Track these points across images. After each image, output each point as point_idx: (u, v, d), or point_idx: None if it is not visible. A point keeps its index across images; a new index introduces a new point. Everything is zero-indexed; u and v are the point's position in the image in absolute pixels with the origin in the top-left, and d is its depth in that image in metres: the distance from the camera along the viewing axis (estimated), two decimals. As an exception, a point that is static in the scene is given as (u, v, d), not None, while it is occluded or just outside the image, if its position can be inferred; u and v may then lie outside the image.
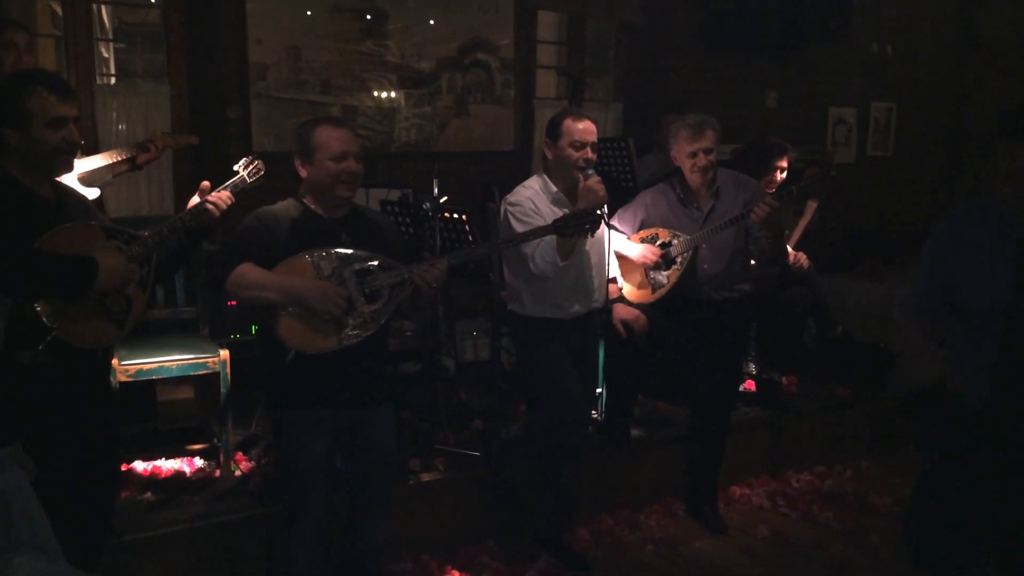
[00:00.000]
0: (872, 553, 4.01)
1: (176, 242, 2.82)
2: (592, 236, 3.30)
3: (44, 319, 2.46)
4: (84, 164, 3.73)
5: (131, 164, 3.95)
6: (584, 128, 3.50)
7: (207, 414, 4.19)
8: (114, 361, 3.41)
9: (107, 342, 2.69)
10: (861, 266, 6.35)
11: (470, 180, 5.65)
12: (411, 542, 3.75)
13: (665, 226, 3.98)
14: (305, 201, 3.04)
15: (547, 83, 6.47)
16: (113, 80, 5.09)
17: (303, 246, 2.90)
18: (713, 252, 3.95)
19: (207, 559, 3.41)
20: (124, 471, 3.70)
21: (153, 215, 4.78)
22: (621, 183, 4.95)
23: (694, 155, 3.85)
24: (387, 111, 5.66)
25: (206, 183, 2.85)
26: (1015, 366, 2.33)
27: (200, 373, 3.75)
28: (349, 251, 2.92)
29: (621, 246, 4.00)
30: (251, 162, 2.95)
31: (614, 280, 3.99)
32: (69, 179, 3.28)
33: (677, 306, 4.00)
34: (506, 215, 3.54)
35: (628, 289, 4.06)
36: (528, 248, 3.41)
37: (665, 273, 3.96)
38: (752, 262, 4.09)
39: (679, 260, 3.93)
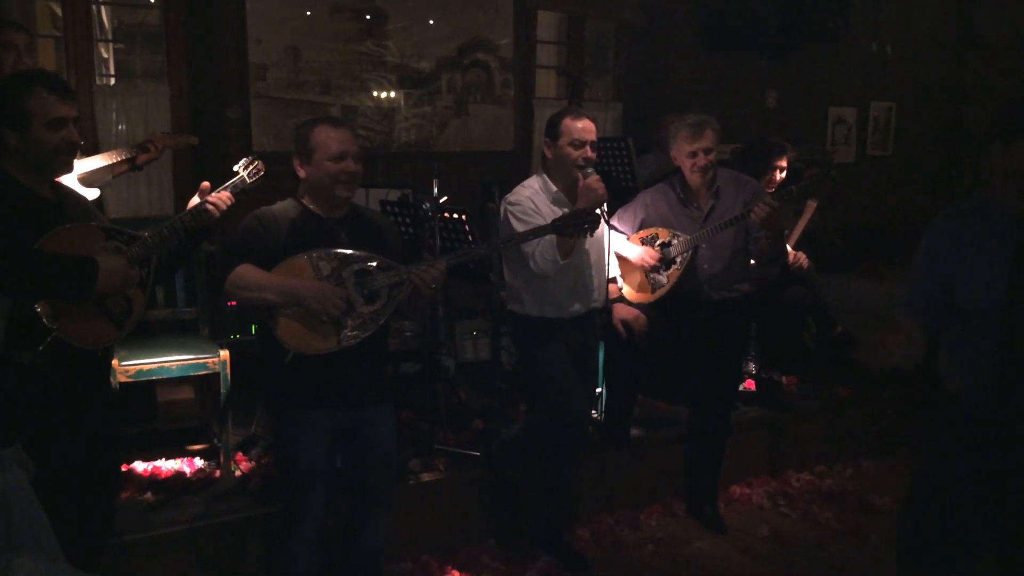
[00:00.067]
0: (872, 553, 4.01)
1: (176, 243, 2.82)
2: (591, 236, 3.30)
3: (44, 320, 2.46)
4: (84, 165, 3.72)
5: (131, 165, 3.95)
6: (583, 127, 3.50)
7: (207, 414, 4.19)
8: (114, 362, 3.41)
9: (107, 343, 2.69)
10: (861, 266, 6.36)
11: (470, 180, 5.66)
12: (411, 542, 3.75)
13: (665, 226, 3.98)
14: (304, 201, 3.04)
15: (547, 83, 6.47)
16: (113, 80, 5.10)
17: (302, 246, 2.90)
18: (713, 252, 3.95)
19: (207, 559, 3.41)
20: (124, 471, 3.70)
21: (153, 215, 4.78)
22: (621, 183, 4.95)
23: (694, 155, 3.85)
24: (387, 111, 5.66)
25: (206, 183, 2.85)
26: (1012, 367, 2.33)
27: (200, 373, 3.74)
28: (348, 252, 2.92)
29: (620, 247, 4.00)
30: (251, 162, 2.95)
31: (614, 280, 3.99)
32: (69, 180, 3.28)
33: (677, 306, 4.01)
34: (506, 215, 3.54)
35: (628, 289, 4.06)
36: (528, 247, 3.41)
37: (665, 273, 3.97)
38: (752, 262, 4.09)
39: (679, 260, 3.94)
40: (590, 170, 3.46)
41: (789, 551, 4.05)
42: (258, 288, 2.86)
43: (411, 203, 4.24)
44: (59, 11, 4.94)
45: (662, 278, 3.97)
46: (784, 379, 5.10)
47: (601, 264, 3.74)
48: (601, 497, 4.25)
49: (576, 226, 3.11)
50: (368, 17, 5.51)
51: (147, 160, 3.99)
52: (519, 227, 3.42)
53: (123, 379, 3.52)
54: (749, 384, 5.08)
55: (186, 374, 3.74)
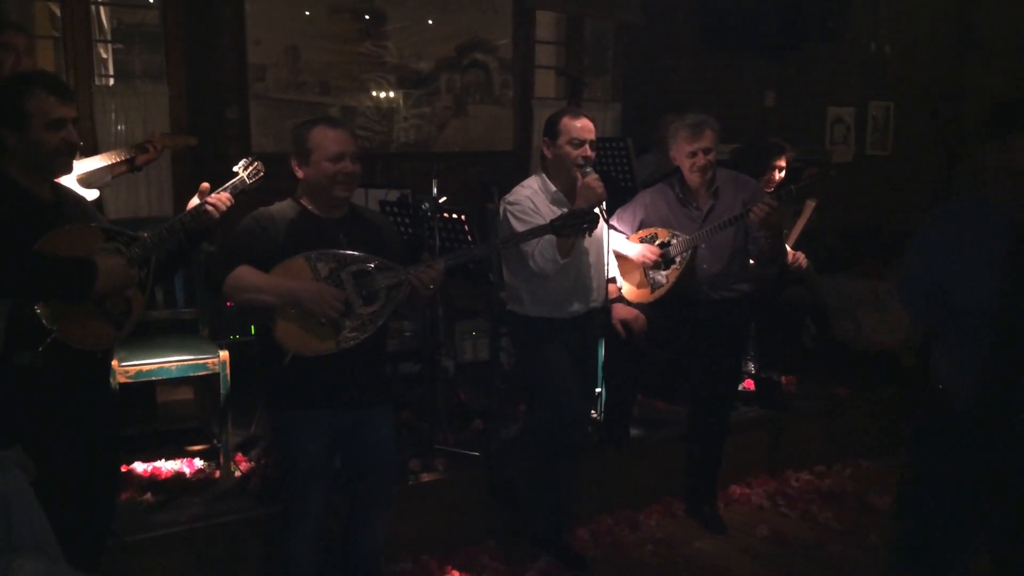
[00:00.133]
0: (871, 552, 4.01)
1: (175, 243, 2.82)
2: (590, 235, 3.30)
3: (44, 321, 2.46)
4: (83, 165, 3.73)
5: (130, 165, 3.95)
6: (582, 126, 3.51)
7: (207, 415, 4.19)
8: (114, 362, 3.41)
9: (107, 344, 2.69)
10: (860, 265, 6.36)
11: (469, 180, 5.67)
12: (411, 542, 3.75)
13: (664, 226, 3.99)
14: (302, 202, 3.03)
15: (546, 83, 6.47)
16: (112, 81, 5.09)
17: (301, 247, 2.90)
18: (712, 252, 3.95)
19: (207, 560, 3.40)
20: (124, 472, 3.69)
21: (152, 216, 4.78)
22: (620, 183, 4.95)
23: (693, 155, 3.85)
24: (386, 111, 5.67)
25: (205, 184, 2.85)
26: (1004, 366, 2.33)
27: (200, 374, 3.75)
28: (346, 252, 2.92)
29: (620, 245, 4.00)
30: (250, 163, 2.95)
31: (613, 280, 3.99)
32: (68, 180, 3.28)
33: (676, 306, 4.01)
34: (505, 215, 3.55)
35: (627, 289, 4.07)
36: (528, 247, 3.41)
37: (664, 273, 3.97)
38: (751, 262, 4.10)
39: (678, 260, 3.94)
40: (589, 169, 3.46)
41: (789, 551, 4.05)
42: (256, 290, 2.86)
43: (410, 203, 4.24)
44: (58, 12, 4.94)
45: (661, 278, 3.98)
46: (783, 379, 5.10)
47: (601, 264, 3.74)
48: (601, 497, 4.25)
49: (574, 226, 3.11)
50: (367, 18, 5.51)
51: (146, 161, 3.99)
52: (518, 227, 3.42)
53: (123, 380, 3.53)
54: (748, 384, 5.08)
55: (186, 375, 3.74)
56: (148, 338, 3.84)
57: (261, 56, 5.20)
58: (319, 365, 2.90)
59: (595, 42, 6.63)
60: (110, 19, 5.13)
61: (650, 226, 4.03)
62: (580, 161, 3.47)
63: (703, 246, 3.92)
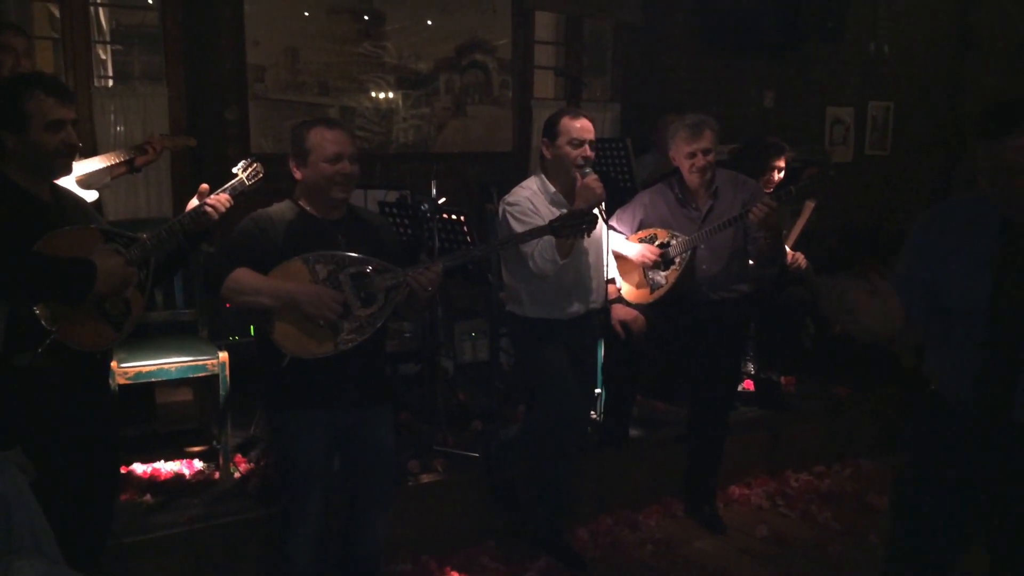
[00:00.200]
0: (871, 553, 4.01)
1: (175, 244, 2.82)
2: (588, 236, 3.30)
3: (43, 322, 2.47)
4: (82, 167, 3.73)
5: (129, 166, 3.95)
6: (581, 126, 3.51)
7: (206, 416, 4.18)
8: (113, 363, 3.41)
9: (106, 345, 2.69)
10: (859, 265, 6.36)
11: (468, 181, 5.67)
12: (411, 543, 3.75)
13: (664, 226, 3.99)
14: (301, 203, 3.03)
15: (545, 84, 6.47)
16: (111, 82, 5.09)
17: (299, 248, 2.90)
18: (711, 252, 3.95)
19: (206, 561, 3.41)
20: (123, 473, 3.70)
21: (151, 217, 4.78)
22: (619, 183, 4.95)
23: (692, 155, 3.85)
24: (385, 112, 5.66)
25: (205, 185, 2.85)
26: (997, 366, 2.33)
27: (199, 375, 3.74)
28: (345, 254, 2.91)
29: (620, 246, 4.00)
30: (249, 164, 2.95)
31: (612, 281, 3.99)
32: (67, 182, 3.29)
33: (676, 306, 4.01)
34: (504, 215, 3.55)
35: (627, 289, 4.07)
36: (528, 247, 3.41)
37: (664, 273, 3.97)
38: (750, 262, 4.10)
39: (677, 260, 3.94)
40: (588, 170, 3.46)
41: (788, 551, 4.05)
42: (254, 292, 2.85)
43: (409, 204, 4.24)
44: (57, 13, 4.94)
45: (660, 278, 3.98)
46: (783, 379, 5.10)
47: (600, 264, 3.74)
48: (600, 497, 4.25)
49: (573, 226, 3.11)
50: (366, 18, 5.51)
51: (145, 162, 4.00)
52: (518, 227, 3.42)
53: (122, 381, 3.53)
54: (748, 384, 5.08)
55: (185, 376, 3.74)
56: (147, 339, 3.84)
57: (260, 57, 5.20)
58: (318, 366, 2.90)
59: (594, 42, 6.64)
60: (109, 20, 5.13)
61: (649, 227, 4.03)
62: (580, 162, 3.47)
63: (702, 247, 3.93)
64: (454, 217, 4.04)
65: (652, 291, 4.01)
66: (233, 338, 4.05)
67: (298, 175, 3.01)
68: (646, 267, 3.98)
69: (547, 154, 3.59)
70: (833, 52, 6.83)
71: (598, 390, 4.32)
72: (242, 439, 4.02)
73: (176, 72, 5.06)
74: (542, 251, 3.38)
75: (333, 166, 2.94)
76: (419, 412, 4.36)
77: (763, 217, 3.62)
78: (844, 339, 5.12)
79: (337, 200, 3.01)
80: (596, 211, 3.41)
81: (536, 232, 3.21)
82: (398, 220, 4.26)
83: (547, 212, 3.48)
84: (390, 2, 5.56)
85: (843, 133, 7.31)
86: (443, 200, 4.11)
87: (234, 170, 2.93)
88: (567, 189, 3.56)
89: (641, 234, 4.03)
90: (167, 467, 3.85)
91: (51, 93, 2.54)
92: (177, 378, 3.76)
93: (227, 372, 3.68)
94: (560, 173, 3.57)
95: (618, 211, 4.15)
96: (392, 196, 4.44)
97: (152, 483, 3.71)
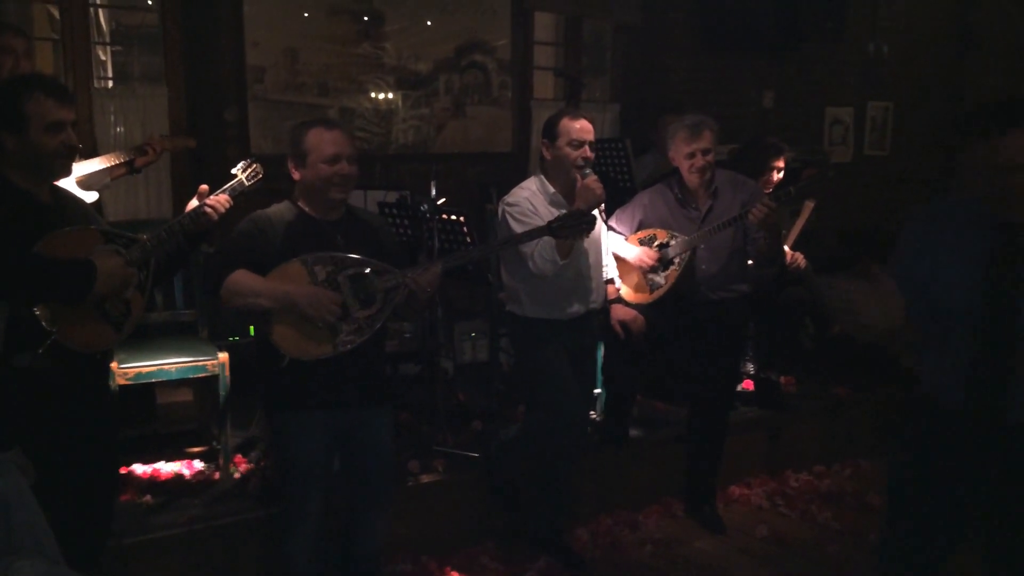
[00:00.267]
0: (870, 553, 4.00)
1: (174, 245, 2.83)
2: (587, 237, 3.30)
3: (43, 323, 2.47)
4: (82, 168, 3.73)
5: (129, 167, 3.95)
6: (581, 127, 3.51)
7: (206, 417, 4.19)
8: (113, 364, 3.42)
9: (106, 346, 2.69)
10: (858, 266, 6.35)
11: (468, 182, 5.67)
12: (410, 543, 3.76)
13: (663, 227, 3.99)
14: (299, 204, 3.03)
15: (544, 84, 6.47)
16: (111, 83, 5.09)
17: (298, 249, 2.90)
18: (711, 253, 3.96)
19: (206, 561, 3.41)
20: (123, 474, 3.70)
21: (151, 218, 4.78)
22: (618, 184, 4.95)
23: (692, 156, 3.86)
24: (384, 113, 5.66)
25: (204, 186, 2.85)
26: (990, 367, 2.33)
27: (199, 376, 3.75)
28: (344, 255, 2.92)
29: (618, 248, 4.01)
30: (249, 165, 2.96)
31: (612, 281, 3.99)
32: (67, 183, 3.28)
33: (675, 307, 4.01)
34: (504, 216, 3.55)
35: (626, 290, 4.07)
36: (528, 248, 3.41)
37: (663, 274, 3.97)
38: (750, 262, 4.10)
39: (677, 261, 3.94)
40: (588, 171, 3.46)
41: (788, 551, 4.06)
42: (252, 294, 2.86)
43: (409, 205, 4.25)
44: (57, 14, 4.94)
45: (660, 279, 3.98)
46: (782, 379, 5.10)
47: (600, 265, 3.74)
48: (600, 497, 4.26)
49: (571, 227, 3.11)
50: (365, 19, 5.51)
51: (145, 163, 4.00)
52: (517, 228, 3.43)
53: (122, 381, 3.53)
54: (747, 384, 5.09)
55: (185, 376, 3.74)
56: (147, 340, 3.84)
57: (260, 58, 5.20)
58: (317, 367, 2.90)
59: (594, 43, 6.64)
60: (109, 21, 5.13)
61: (649, 227, 4.03)
62: (579, 162, 3.48)
63: (702, 247, 3.93)
64: (454, 218, 4.04)
65: (651, 291, 4.01)
66: (233, 338, 4.05)
67: (296, 176, 3.01)
68: (645, 270, 3.98)
69: (547, 155, 3.59)
70: (832, 52, 6.82)
71: (598, 390, 4.32)
72: (242, 439, 4.02)
73: (176, 73, 5.06)
74: (542, 252, 3.39)
75: (331, 167, 2.94)
76: (419, 412, 4.36)
77: (762, 217, 3.62)
78: (843, 339, 5.17)
79: (335, 201, 3.01)
80: (595, 212, 3.41)
81: (535, 233, 3.21)
82: (398, 221, 4.26)
83: (546, 213, 3.49)
84: (389, 3, 5.56)
85: (842, 133, 7.31)
86: (443, 201, 4.12)
87: (233, 171, 2.94)
88: (567, 190, 3.56)
89: (640, 234, 4.03)
90: (167, 467, 3.85)
91: (51, 94, 2.54)
92: (177, 379, 3.76)
93: (227, 372, 3.69)
94: (560, 174, 3.57)
95: (617, 211, 4.16)
96: (392, 197, 4.45)
97: (152, 483, 3.72)
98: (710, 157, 3.87)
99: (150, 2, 5.17)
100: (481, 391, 4.73)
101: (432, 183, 4.16)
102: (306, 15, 5.32)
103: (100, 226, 2.74)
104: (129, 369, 3.55)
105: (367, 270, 2.91)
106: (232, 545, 3.46)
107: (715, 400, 4.20)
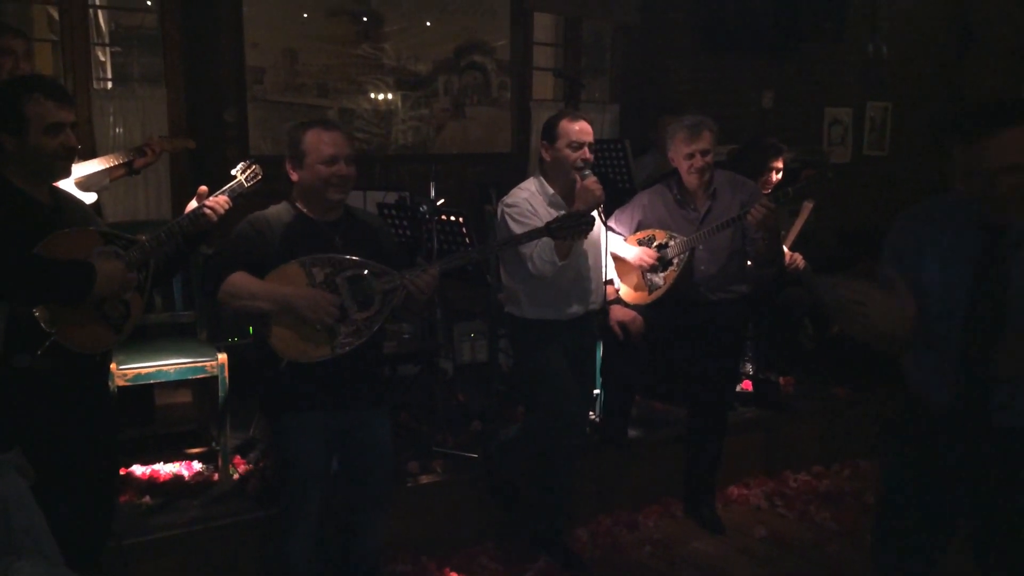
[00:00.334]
0: (869, 553, 4.01)
1: (174, 247, 2.83)
2: (586, 238, 3.31)
3: (42, 324, 2.47)
4: (81, 169, 3.73)
5: (128, 168, 3.95)
6: (580, 128, 3.51)
7: (205, 418, 4.19)
8: (112, 365, 3.41)
9: (105, 347, 2.70)
10: (858, 266, 6.35)
11: (467, 182, 5.68)
12: (410, 544, 3.76)
13: (662, 227, 3.99)
14: (298, 205, 3.03)
15: (544, 85, 6.48)
16: (110, 84, 5.10)
17: (296, 250, 2.90)
18: (710, 253, 3.96)
19: (206, 562, 3.41)
20: (123, 475, 3.70)
21: (150, 219, 4.79)
22: (618, 184, 4.96)
23: (691, 156, 3.86)
24: (384, 114, 5.67)
25: (204, 187, 2.86)
26: (976, 368, 2.32)
27: (198, 377, 3.75)
28: (342, 257, 2.91)
29: (617, 248, 4.01)
30: (248, 166, 2.96)
31: (611, 282, 3.99)
32: (66, 184, 3.29)
33: (674, 307, 4.01)
34: (503, 217, 3.55)
35: (625, 290, 4.07)
36: (527, 249, 3.41)
37: (662, 274, 3.97)
38: (748, 263, 4.10)
39: (676, 261, 3.94)
40: (588, 172, 3.47)
41: (787, 551, 4.06)
42: (250, 296, 2.85)
43: (408, 206, 4.25)
44: (56, 15, 4.95)
45: (659, 279, 3.98)
46: (781, 380, 5.10)
47: (599, 266, 3.74)
48: (599, 498, 4.26)
49: (570, 228, 3.11)
50: (365, 20, 5.51)
51: (144, 164, 4.00)
52: (516, 229, 3.43)
53: (121, 383, 3.53)
54: (746, 385, 5.09)
55: (184, 377, 3.74)
56: (146, 341, 3.85)
57: (259, 59, 5.21)
58: (316, 368, 2.90)
59: (593, 43, 6.64)
60: (108, 22, 5.14)
61: (648, 227, 4.03)
62: (579, 164, 3.48)
63: (701, 247, 3.93)
64: (453, 218, 4.05)
65: (650, 292, 4.01)
66: (232, 340, 4.05)
67: (294, 177, 3.01)
68: (644, 270, 3.99)
69: (546, 156, 3.59)
70: (832, 52, 6.82)
71: (597, 391, 4.33)
72: (241, 440, 4.03)
73: (175, 74, 5.07)
74: (541, 252, 3.39)
75: (329, 168, 2.94)
76: (418, 413, 4.37)
77: (761, 218, 3.62)
78: (843, 339, 5.17)
79: (333, 202, 3.01)
80: (594, 212, 3.41)
81: (534, 234, 3.21)
82: (397, 221, 4.27)
83: (546, 214, 3.49)
84: (389, 4, 5.56)
85: (841, 133, 7.31)
86: (442, 201, 4.12)
87: (233, 172, 2.94)
88: (566, 191, 3.56)
89: (639, 235, 4.04)
90: (166, 468, 3.85)
91: (50, 96, 2.55)
92: (176, 380, 3.77)
93: (226, 374, 3.69)
94: (559, 175, 3.57)
95: (616, 211, 4.16)
96: (391, 197, 4.44)
97: (151, 484, 3.72)
98: (709, 158, 3.87)
99: (149, 3, 5.18)
100: (480, 392, 4.73)
101: (431, 184, 4.16)
102: (305, 16, 5.33)
103: (99, 227, 2.74)
104: (128, 370, 3.55)
105: (365, 272, 2.91)
106: (231, 546, 3.46)
107: (714, 401, 4.21)
